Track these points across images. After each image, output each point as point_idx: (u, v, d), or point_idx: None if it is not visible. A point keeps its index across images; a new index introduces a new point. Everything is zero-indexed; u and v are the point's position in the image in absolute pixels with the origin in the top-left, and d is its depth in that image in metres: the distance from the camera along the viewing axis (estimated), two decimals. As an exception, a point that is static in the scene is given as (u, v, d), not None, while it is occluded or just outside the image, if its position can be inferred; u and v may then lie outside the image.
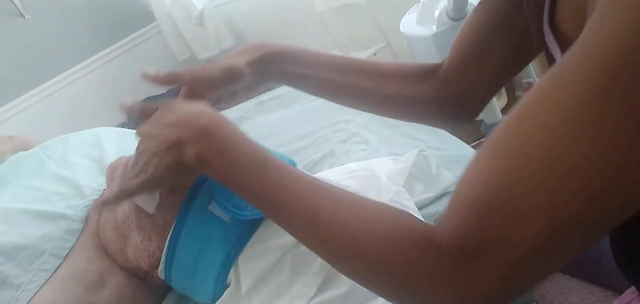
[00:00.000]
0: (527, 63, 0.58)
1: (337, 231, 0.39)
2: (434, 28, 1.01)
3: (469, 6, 0.97)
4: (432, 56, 1.03)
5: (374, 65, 0.64)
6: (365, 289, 0.53)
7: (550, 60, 0.54)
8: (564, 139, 0.29)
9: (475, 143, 1.72)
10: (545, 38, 0.53)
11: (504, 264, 0.31)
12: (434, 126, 0.68)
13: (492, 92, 0.60)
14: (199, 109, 0.49)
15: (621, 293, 0.58)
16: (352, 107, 0.67)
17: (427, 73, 0.63)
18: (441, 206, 0.67)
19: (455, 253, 0.33)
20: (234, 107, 1.26)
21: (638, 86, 0.26)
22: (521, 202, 0.31)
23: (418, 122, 0.67)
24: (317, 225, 0.40)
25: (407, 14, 1.16)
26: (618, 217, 0.30)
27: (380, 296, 0.39)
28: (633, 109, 0.26)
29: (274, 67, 0.61)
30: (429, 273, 0.34)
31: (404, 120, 0.69)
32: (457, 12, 0.96)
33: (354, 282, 0.53)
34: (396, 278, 0.35)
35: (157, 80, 0.57)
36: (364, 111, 0.68)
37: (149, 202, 0.61)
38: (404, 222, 0.37)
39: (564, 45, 0.49)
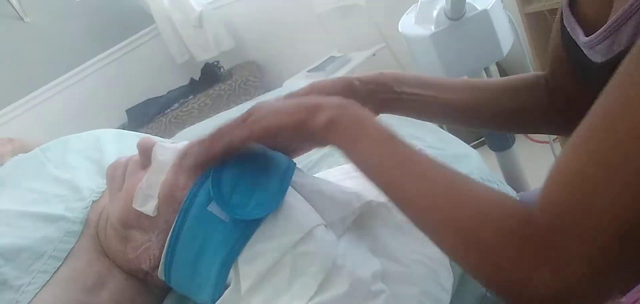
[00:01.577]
0: None
1: (445, 208, 0.42)
2: (433, 28, 1.01)
3: (467, 6, 0.97)
4: (430, 56, 1.04)
5: (483, 82, 0.69)
6: (366, 288, 0.53)
7: (565, 42, 0.55)
8: None
9: (474, 142, 1.72)
10: (564, 20, 0.54)
11: (594, 246, 0.33)
12: (549, 134, 0.73)
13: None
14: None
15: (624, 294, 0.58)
16: (465, 126, 0.72)
17: (533, 83, 0.67)
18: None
19: (548, 231, 0.35)
20: (233, 109, 1.26)
21: None
22: (611, 185, 0.33)
23: (531, 133, 0.74)
24: (431, 198, 0.43)
25: (405, 14, 1.17)
26: None
27: (468, 271, 0.42)
28: None
29: (386, 88, 0.64)
30: (522, 250, 0.36)
31: (516, 132, 0.73)
32: (455, 12, 0.97)
33: (355, 281, 0.53)
34: (493, 254, 0.38)
35: None
36: (475, 128, 0.73)
37: (149, 205, 0.61)
38: (504, 200, 0.40)
39: (586, 26, 0.50)
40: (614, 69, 0.46)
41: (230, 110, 1.26)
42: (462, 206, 0.41)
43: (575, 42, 0.52)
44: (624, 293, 0.43)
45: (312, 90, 0.63)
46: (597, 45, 0.47)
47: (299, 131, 0.51)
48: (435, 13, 1.01)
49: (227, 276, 0.57)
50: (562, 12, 0.56)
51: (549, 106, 0.66)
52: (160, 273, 0.62)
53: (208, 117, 1.32)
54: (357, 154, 0.49)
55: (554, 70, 0.65)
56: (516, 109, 0.67)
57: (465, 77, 0.70)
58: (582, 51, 0.51)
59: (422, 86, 0.66)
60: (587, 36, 0.50)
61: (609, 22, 0.45)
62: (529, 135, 1.83)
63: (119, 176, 0.67)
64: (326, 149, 0.92)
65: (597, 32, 0.47)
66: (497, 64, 1.67)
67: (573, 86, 0.62)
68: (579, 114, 0.67)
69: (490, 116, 0.68)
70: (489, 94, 0.67)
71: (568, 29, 0.53)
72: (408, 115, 0.69)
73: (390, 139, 0.48)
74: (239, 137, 0.54)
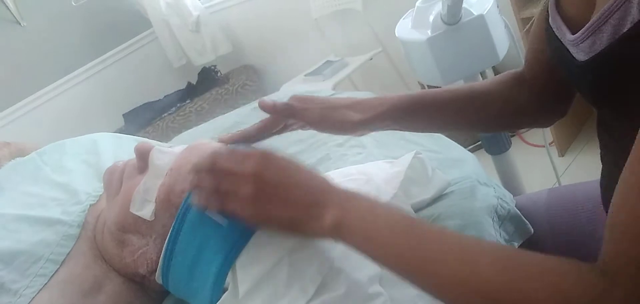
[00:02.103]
0: None
1: (500, 287, 0.38)
2: (429, 32, 1.01)
3: (463, 11, 0.97)
4: (427, 61, 1.04)
5: (469, 91, 0.70)
6: (363, 291, 0.54)
7: (550, 41, 0.56)
8: None
9: (471, 146, 1.73)
10: (550, 19, 0.55)
11: None
12: (529, 128, 0.74)
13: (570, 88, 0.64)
14: (327, 178, 0.52)
15: None
16: (458, 132, 0.74)
17: (513, 82, 0.68)
18: (436, 209, 0.68)
19: (624, 283, 0.34)
20: (230, 113, 1.26)
21: None
22: None
23: (513, 129, 0.75)
24: (476, 282, 0.40)
25: (402, 18, 1.17)
26: None
27: None
28: None
29: (385, 123, 0.65)
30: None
31: (503, 131, 0.74)
32: (451, 17, 0.97)
33: (353, 284, 0.53)
34: None
35: (275, 110, 0.63)
36: (468, 131, 0.75)
37: (146, 209, 0.61)
38: (569, 267, 0.37)
39: (570, 26, 0.51)
40: (596, 66, 0.47)
41: (226, 114, 1.26)
42: (523, 282, 0.38)
43: (560, 41, 0.53)
44: None
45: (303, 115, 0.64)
46: (581, 43, 0.49)
47: (295, 228, 0.51)
48: (431, 18, 1.02)
49: (224, 280, 0.57)
50: (547, 12, 0.57)
51: (520, 98, 0.68)
52: (157, 277, 0.62)
53: (205, 122, 1.32)
54: (375, 248, 0.46)
55: (532, 67, 0.67)
56: (501, 109, 0.68)
57: (459, 82, 0.71)
58: (567, 49, 0.52)
59: (417, 107, 0.67)
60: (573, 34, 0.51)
61: (590, 22, 0.47)
62: (525, 139, 1.84)
63: (116, 180, 0.67)
64: (324, 152, 0.92)
65: (581, 31, 0.48)
66: (493, 69, 1.68)
67: (551, 82, 0.64)
68: (556, 108, 0.68)
69: (477, 121, 0.71)
70: (479, 102, 0.69)
71: (554, 29, 0.55)
72: (404, 130, 0.76)
73: (410, 222, 0.46)
74: (245, 216, 0.52)
